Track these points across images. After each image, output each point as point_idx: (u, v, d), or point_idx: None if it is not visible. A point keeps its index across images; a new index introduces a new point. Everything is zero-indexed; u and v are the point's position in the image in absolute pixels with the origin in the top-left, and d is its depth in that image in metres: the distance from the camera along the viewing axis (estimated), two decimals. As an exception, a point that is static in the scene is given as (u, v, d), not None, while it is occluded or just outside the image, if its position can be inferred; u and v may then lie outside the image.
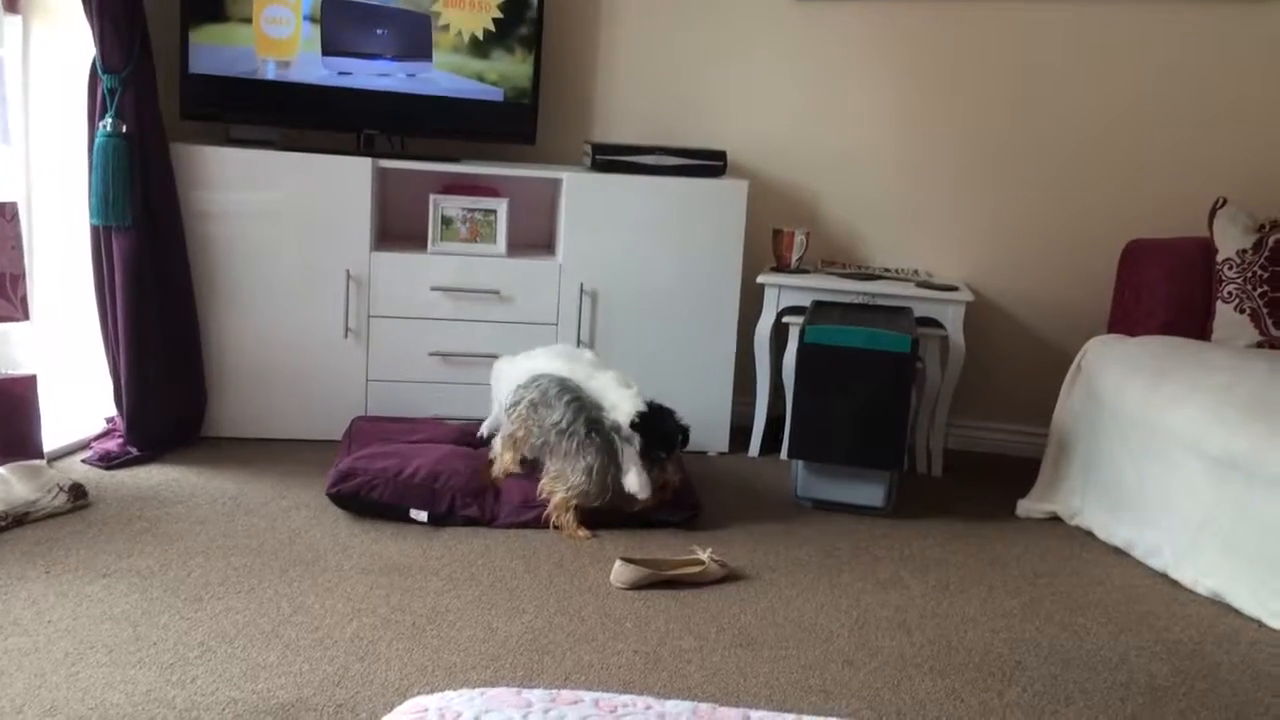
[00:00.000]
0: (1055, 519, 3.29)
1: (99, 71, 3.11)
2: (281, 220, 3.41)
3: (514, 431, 3.05)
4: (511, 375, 3.16)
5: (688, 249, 3.59)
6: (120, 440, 3.28)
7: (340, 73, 3.47)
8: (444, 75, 3.53)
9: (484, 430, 3.28)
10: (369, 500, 2.91)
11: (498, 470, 3.05)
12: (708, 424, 3.61)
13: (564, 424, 2.93)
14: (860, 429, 3.16)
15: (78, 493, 2.85)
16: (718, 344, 3.64)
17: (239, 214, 3.39)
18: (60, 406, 3.39)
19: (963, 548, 3.04)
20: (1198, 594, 2.81)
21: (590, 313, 3.58)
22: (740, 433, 3.74)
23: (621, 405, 2.96)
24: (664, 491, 3.01)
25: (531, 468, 3.07)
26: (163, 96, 3.28)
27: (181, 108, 3.41)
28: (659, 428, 2.96)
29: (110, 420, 3.40)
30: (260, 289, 3.44)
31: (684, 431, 3.02)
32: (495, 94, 3.57)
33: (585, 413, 2.94)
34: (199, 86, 3.39)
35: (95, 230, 3.20)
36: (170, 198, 3.28)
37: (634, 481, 2.92)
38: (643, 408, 2.95)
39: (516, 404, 3.05)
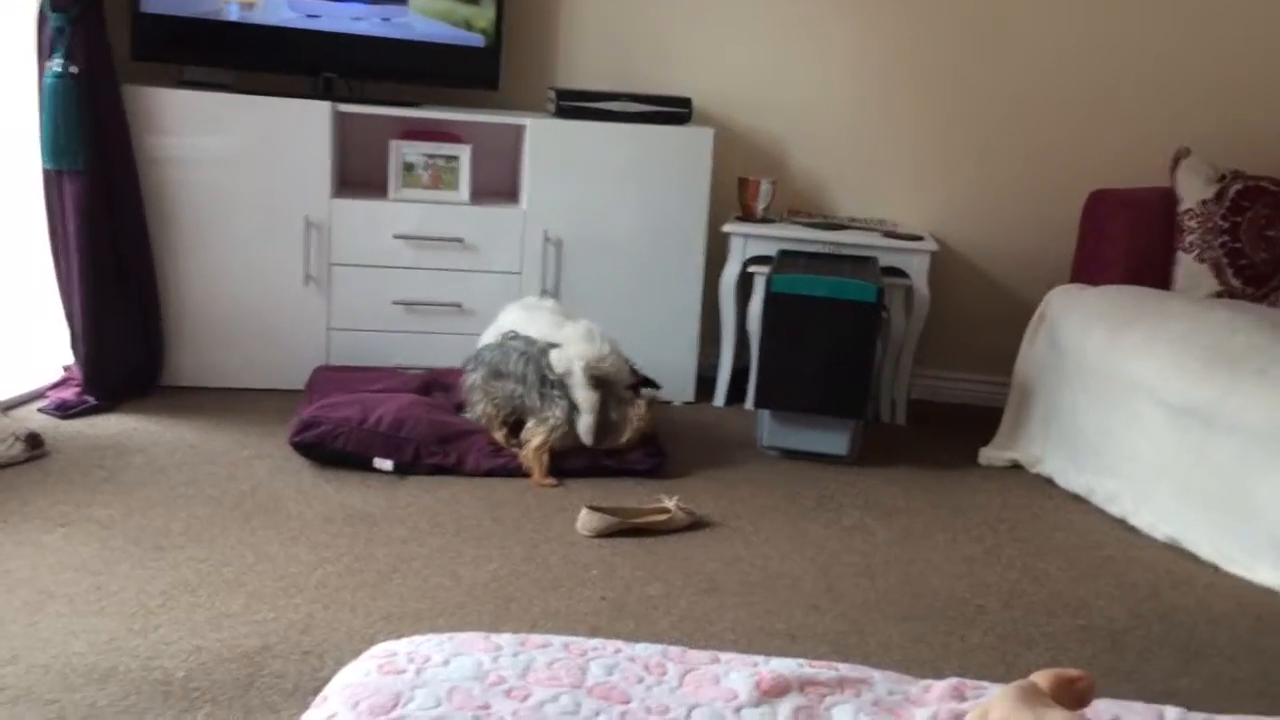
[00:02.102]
0: (1017, 467, 3.31)
1: (46, 10, 3.01)
2: (238, 165, 3.36)
3: (482, 415, 3.05)
4: (486, 341, 3.19)
5: (653, 197, 3.56)
6: (77, 389, 3.23)
7: (308, 15, 3.39)
8: (420, 19, 3.47)
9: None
10: (333, 449, 2.89)
11: (532, 465, 2.93)
12: (673, 373, 3.60)
13: (520, 389, 2.98)
14: (826, 378, 3.17)
15: (34, 442, 2.81)
16: (683, 293, 3.62)
17: (195, 159, 3.34)
18: (15, 354, 3.32)
19: (926, 495, 3.07)
20: (1155, 539, 2.85)
21: (555, 261, 3.56)
22: (706, 382, 3.74)
23: (568, 349, 2.98)
24: (624, 431, 2.99)
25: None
26: (114, 37, 3.20)
27: (133, 49, 3.33)
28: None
29: (67, 369, 3.34)
30: (218, 235, 3.39)
31: (642, 380, 3.09)
32: (475, 40, 3.51)
33: (534, 367, 2.98)
34: (152, 26, 3.31)
35: (47, 174, 3.12)
36: (123, 141, 3.21)
37: (583, 426, 2.94)
38: (597, 352, 2.98)
39: (471, 389, 3.05)
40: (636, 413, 3.03)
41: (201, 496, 2.69)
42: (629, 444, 3.01)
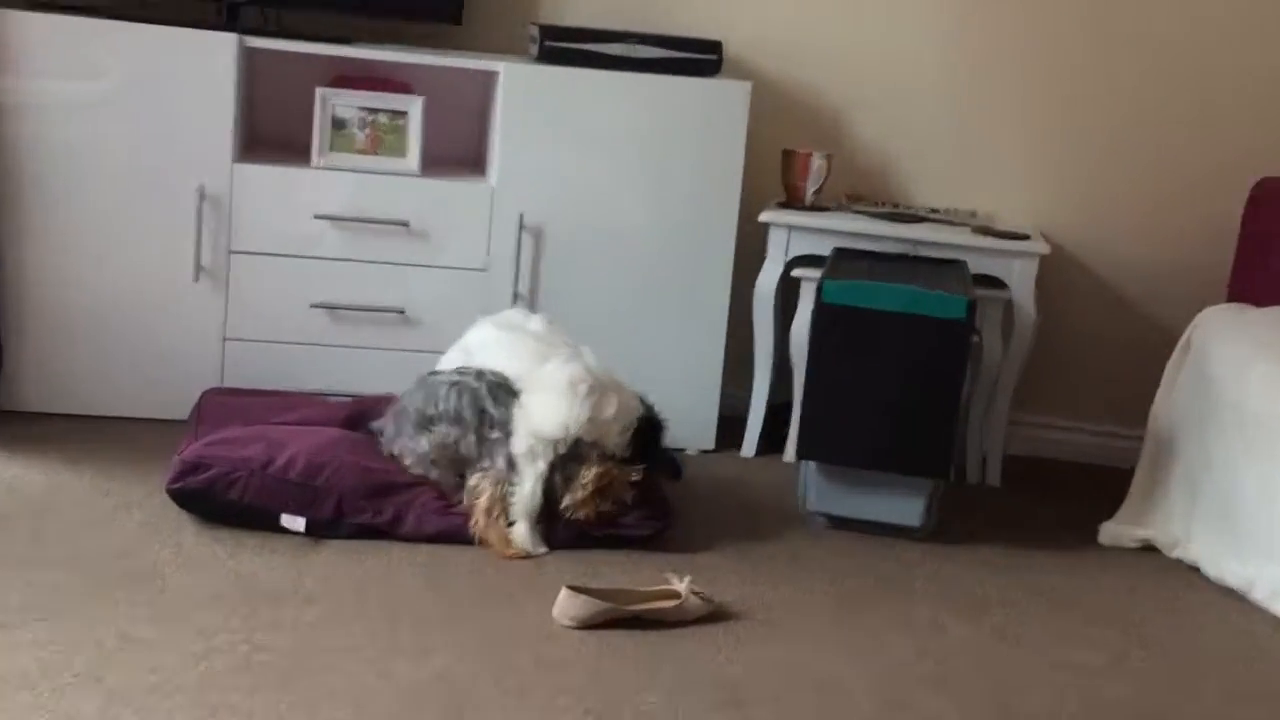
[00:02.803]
0: (1150, 549, 3.31)
1: None
2: (109, 116, 3.37)
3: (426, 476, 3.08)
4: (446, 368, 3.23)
5: (667, 173, 3.58)
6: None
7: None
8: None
9: None
10: (225, 500, 2.91)
11: (486, 532, 2.96)
12: (688, 412, 3.60)
13: (454, 432, 3.01)
14: (894, 422, 3.17)
15: None
16: (704, 303, 3.64)
17: (51, 106, 3.34)
18: None
19: (1025, 584, 3.06)
20: (1338, 651, 2.86)
21: (532, 256, 3.57)
22: (731, 424, 3.73)
23: (532, 410, 2.97)
24: (600, 502, 2.98)
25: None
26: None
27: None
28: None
29: None
30: (79, 212, 3.40)
31: (656, 428, 3.12)
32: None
33: (470, 401, 3.01)
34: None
35: None
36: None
37: (517, 497, 2.93)
38: (570, 418, 2.96)
39: (400, 455, 3.09)
40: (589, 475, 2.96)
41: (48, 559, 2.67)
42: (584, 518, 2.97)
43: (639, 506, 3.05)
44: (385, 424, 3.17)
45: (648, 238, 3.61)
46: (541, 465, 2.96)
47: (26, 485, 3.03)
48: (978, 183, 3.93)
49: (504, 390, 3.06)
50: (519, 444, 2.98)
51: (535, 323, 3.28)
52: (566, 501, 2.97)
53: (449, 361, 3.25)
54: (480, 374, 3.08)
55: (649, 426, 3.13)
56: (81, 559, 2.70)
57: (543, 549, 2.96)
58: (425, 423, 3.06)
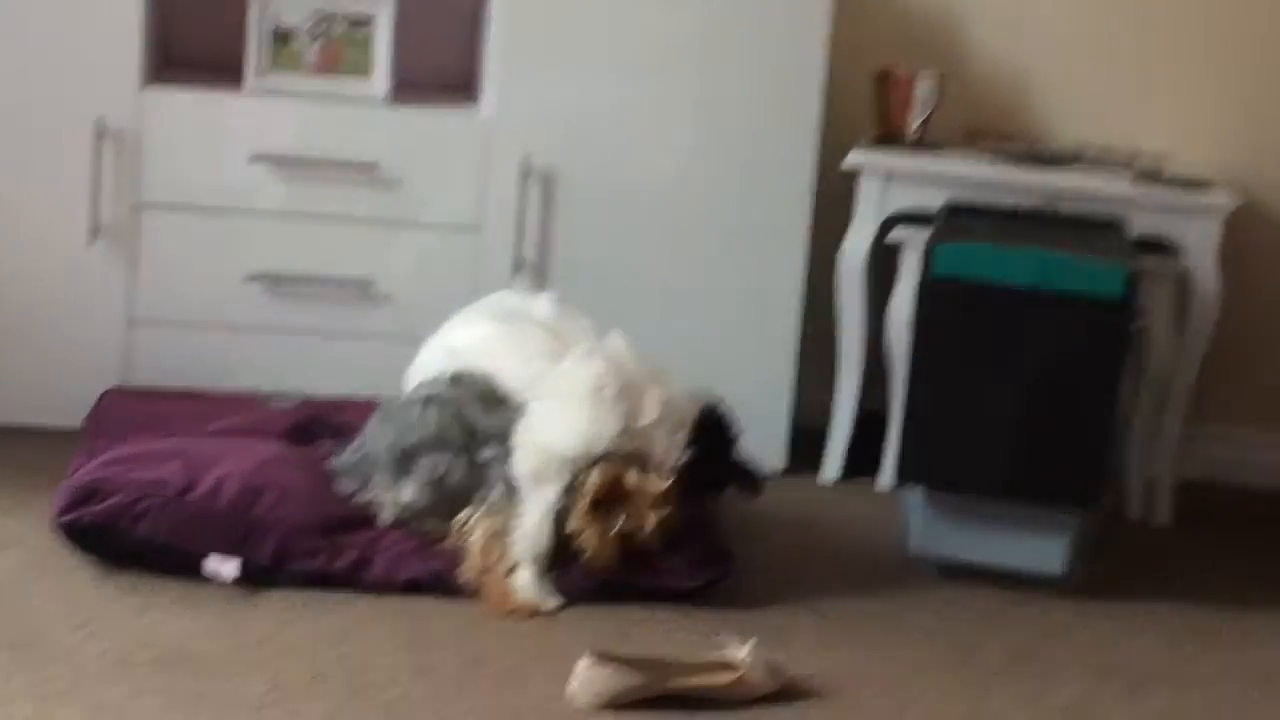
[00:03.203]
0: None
1: None
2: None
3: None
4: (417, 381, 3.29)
5: (721, 101, 3.59)
6: None
7: None
8: None
9: None
10: (132, 537, 2.92)
11: (483, 579, 3.00)
12: (751, 422, 3.55)
13: (440, 462, 3.06)
14: (1027, 437, 3.17)
15: None
16: (770, 277, 3.66)
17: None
18: None
19: (1208, 652, 3.07)
20: None
21: (541, 212, 3.57)
22: (807, 438, 3.76)
23: (540, 423, 3.01)
24: (605, 521, 3.00)
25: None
26: None
27: None
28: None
29: None
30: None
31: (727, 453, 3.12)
32: None
33: (455, 418, 3.07)
34: None
35: None
36: None
37: (520, 533, 2.97)
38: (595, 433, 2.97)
39: (375, 501, 3.13)
40: (590, 480, 2.97)
41: (-101, 616, 2.68)
42: (593, 553, 2.99)
43: (682, 548, 3.04)
44: (345, 468, 3.17)
45: (694, 188, 3.61)
46: (551, 492, 2.95)
47: None
48: (1141, 114, 3.92)
49: (494, 396, 3.04)
50: (521, 464, 2.97)
51: (542, 306, 3.25)
52: (570, 526, 2.98)
53: (427, 368, 3.22)
54: (457, 378, 3.07)
55: (713, 425, 3.08)
56: (-63, 617, 2.70)
57: (555, 601, 2.95)
58: (404, 461, 3.07)
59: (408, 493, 3.03)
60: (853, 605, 3.11)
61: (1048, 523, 3.21)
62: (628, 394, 3.02)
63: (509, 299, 3.34)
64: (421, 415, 3.06)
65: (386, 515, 3.07)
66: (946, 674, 2.88)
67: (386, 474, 3.06)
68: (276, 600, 2.89)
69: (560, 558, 2.99)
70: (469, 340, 3.24)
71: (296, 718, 2.49)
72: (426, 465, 3.04)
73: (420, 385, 3.14)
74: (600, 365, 3.07)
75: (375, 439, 3.10)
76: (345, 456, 3.16)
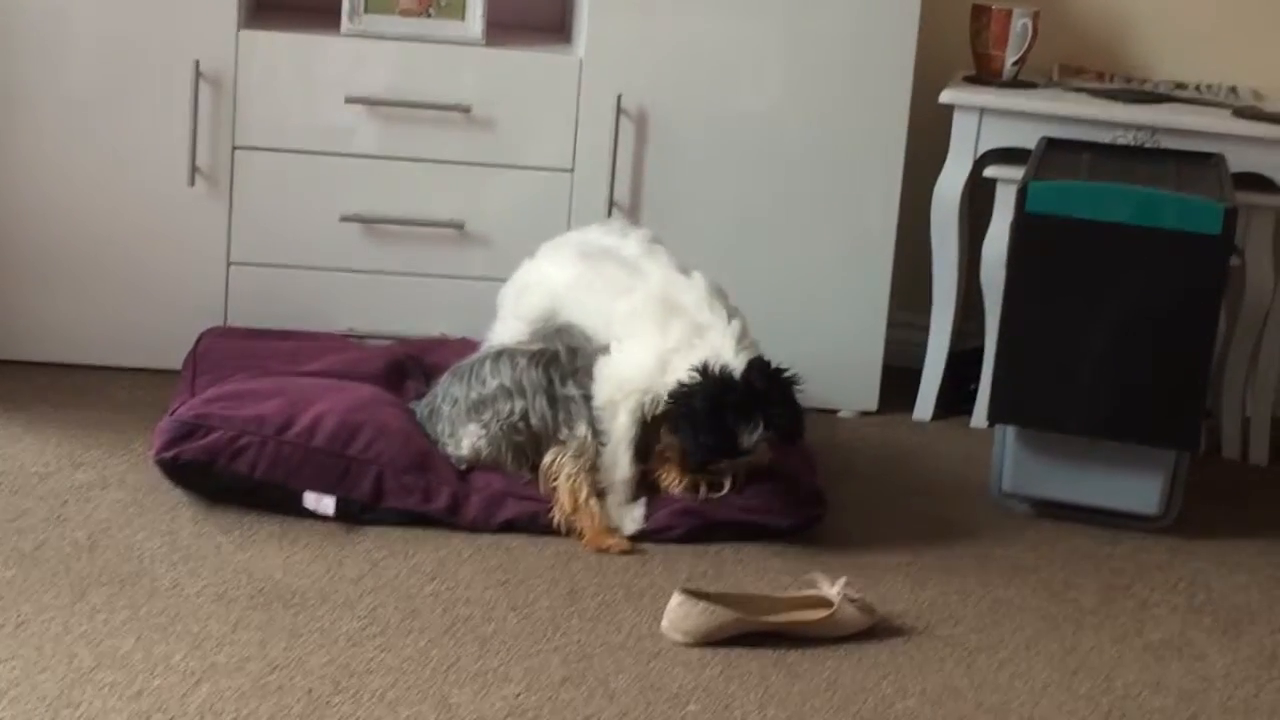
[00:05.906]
0: None
1: None
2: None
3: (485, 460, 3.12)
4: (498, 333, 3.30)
5: (814, 38, 3.58)
6: None
7: None
8: None
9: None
10: (230, 474, 2.95)
11: (575, 517, 3.03)
12: (844, 361, 3.62)
13: (518, 404, 3.09)
14: (1122, 375, 3.16)
15: None
16: (864, 214, 3.66)
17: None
18: None
19: (1306, 592, 3.03)
20: None
21: (634, 152, 3.57)
22: (901, 377, 3.77)
23: (628, 358, 3.04)
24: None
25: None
26: None
27: None
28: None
29: None
30: (37, 99, 3.45)
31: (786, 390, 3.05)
32: None
33: (535, 365, 3.10)
34: None
35: None
36: None
37: (609, 507, 3.03)
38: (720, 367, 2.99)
39: (445, 442, 3.14)
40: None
41: (5, 551, 2.72)
42: (678, 490, 3.05)
43: (776, 487, 3.06)
44: (420, 419, 3.19)
45: (788, 126, 3.61)
46: (627, 420, 3.02)
47: (-26, 454, 3.08)
48: (1239, 50, 3.87)
49: (580, 337, 3.15)
50: (599, 395, 3.03)
51: (632, 244, 3.25)
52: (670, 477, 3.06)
53: (518, 306, 3.28)
54: (545, 319, 3.16)
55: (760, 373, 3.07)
56: (46, 550, 2.75)
57: (634, 526, 3.02)
58: (476, 409, 3.10)
59: (477, 437, 3.07)
60: (944, 544, 3.11)
61: (1143, 462, 3.20)
62: (695, 332, 3.05)
63: (599, 234, 3.32)
64: (493, 368, 3.09)
65: (464, 456, 3.10)
66: (1038, 613, 2.88)
67: (457, 424, 3.09)
68: (372, 537, 2.92)
69: (645, 489, 3.05)
70: (561, 280, 3.23)
71: (392, 652, 2.53)
72: (501, 410, 3.08)
73: (489, 347, 3.19)
74: (670, 299, 3.11)
75: (447, 396, 3.13)
76: (419, 408, 3.20)
